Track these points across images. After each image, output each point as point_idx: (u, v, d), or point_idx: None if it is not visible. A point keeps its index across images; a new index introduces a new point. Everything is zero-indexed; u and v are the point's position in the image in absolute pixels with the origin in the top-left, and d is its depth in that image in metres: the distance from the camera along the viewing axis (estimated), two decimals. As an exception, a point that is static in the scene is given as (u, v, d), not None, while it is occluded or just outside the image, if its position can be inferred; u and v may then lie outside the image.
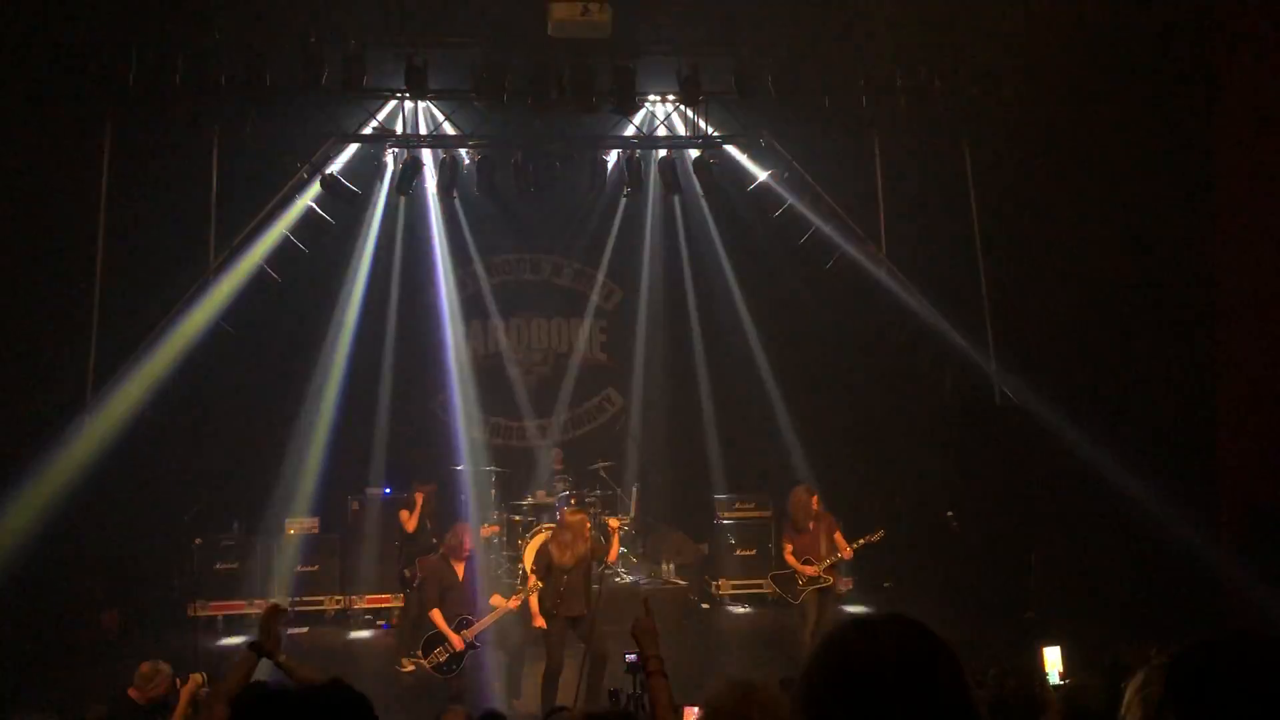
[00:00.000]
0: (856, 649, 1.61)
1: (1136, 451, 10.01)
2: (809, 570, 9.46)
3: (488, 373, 14.36)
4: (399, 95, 11.69)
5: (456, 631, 8.59)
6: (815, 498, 9.81)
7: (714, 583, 12.75)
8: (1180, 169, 10.09)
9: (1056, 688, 5.37)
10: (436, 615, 8.69)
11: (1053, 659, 7.15)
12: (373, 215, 13.24)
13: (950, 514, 10.52)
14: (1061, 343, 11.15)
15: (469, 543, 9.00)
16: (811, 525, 9.64)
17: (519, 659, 9.53)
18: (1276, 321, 9.43)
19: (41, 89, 9.87)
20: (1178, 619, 8.74)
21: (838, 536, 9.65)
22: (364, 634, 11.80)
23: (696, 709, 4.67)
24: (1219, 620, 9.16)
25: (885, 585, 11.42)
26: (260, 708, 1.82)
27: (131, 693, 6.73)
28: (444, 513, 11.41)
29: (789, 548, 9.69)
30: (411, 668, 9.51)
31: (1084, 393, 10.79)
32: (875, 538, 9.64)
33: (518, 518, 12.31)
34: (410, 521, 10.93)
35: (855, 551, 9.63)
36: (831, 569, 9.56)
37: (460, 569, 8.87)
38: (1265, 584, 8.69)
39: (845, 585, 11.37)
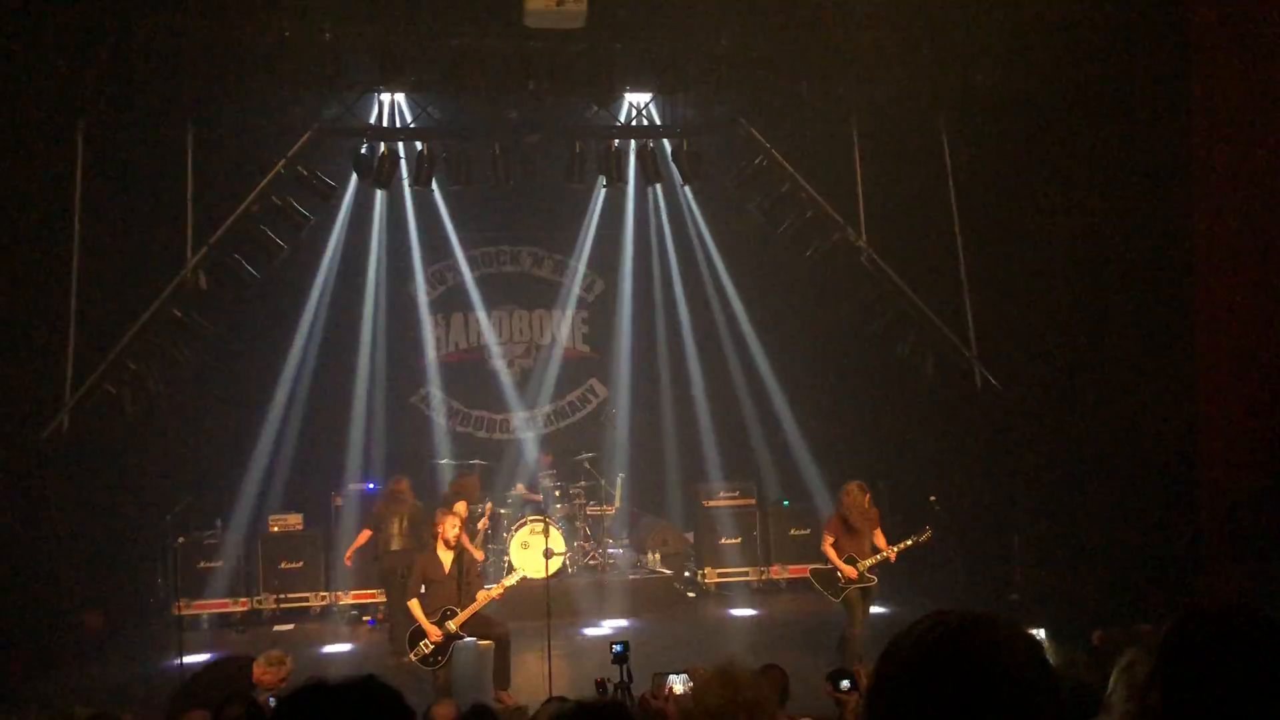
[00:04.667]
0: (977, 655, 1.50)
1: (1117, 434, 10.09)
2: (850, 571, 9.18)
3: (470, 366, 14.33)
4: (374, 88, 11.60)
5: (442, 623, 8.53)
6: (868, 496, 9.47)
7: (700, 571, 12.77)
8: (1157, 152, 10.13)
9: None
10: (414, 606, 8.65)
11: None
12: (350, 209, 13.16)
13: (933, 499, 10.55)
14: (1041, 328, 11.20)
15: (449, 531, 8.90)
16: (861, 524, 9.38)
17: (506, 650, 9.50)
18: (1256, 305, 9.49)
19: (9, 88, 9.72)
20: (1159, 600, 8.81)
21: (878, 536, 9.39)
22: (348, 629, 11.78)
23: (679, 678, 4.67)
24: (1198, 601, 9.24)
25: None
26: (301, 701, 1.79)
27: (256, 669, 6.80)
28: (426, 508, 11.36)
29: (829, 539, 9.36)
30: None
31: (1064, 377, 10.85)
32: (923, 538, 9.32)
33: (503, 510, 12.30)
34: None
35: (899, 554, 9.26)
36: (873, 568, 9.30)
37: (448, 561, 8.80)
38: (1243, 565, 8.77)
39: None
